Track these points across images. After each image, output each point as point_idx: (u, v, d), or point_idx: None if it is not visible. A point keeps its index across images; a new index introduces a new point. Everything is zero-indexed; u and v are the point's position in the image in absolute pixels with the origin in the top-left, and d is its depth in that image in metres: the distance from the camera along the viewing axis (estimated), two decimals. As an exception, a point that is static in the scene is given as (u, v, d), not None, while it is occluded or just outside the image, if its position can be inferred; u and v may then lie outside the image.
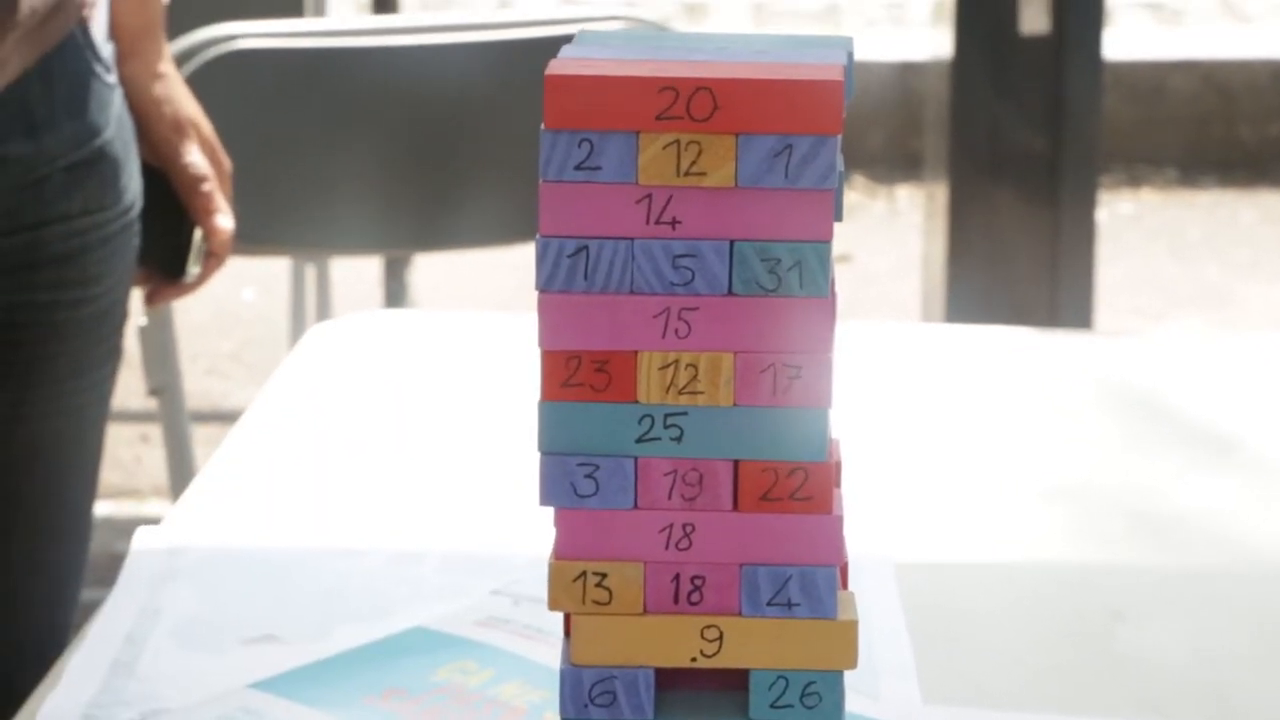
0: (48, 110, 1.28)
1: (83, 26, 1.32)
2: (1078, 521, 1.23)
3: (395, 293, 3.26)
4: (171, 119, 1.43)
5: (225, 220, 1.45)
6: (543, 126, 0.75)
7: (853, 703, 0.93)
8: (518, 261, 3.67)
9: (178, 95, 1.44)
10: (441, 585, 1.07)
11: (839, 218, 0.77)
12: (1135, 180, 5.16)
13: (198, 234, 1.45)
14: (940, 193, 3.21)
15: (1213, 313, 4.36)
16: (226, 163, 1.47)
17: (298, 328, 3.05)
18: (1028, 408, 1.43)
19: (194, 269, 1.45)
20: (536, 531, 1.15)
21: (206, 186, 1.44)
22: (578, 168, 0.75)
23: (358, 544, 1.12)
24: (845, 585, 0.80)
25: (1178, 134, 5.23)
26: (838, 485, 0.81)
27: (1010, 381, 1.48)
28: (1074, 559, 1.18)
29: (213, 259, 1.45)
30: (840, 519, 0.76)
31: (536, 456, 0.76)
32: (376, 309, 3.14)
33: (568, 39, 1.97)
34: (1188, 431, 1.39)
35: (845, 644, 0.76)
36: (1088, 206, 3.14)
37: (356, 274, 3.68)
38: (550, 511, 0.77)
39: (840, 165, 0.77)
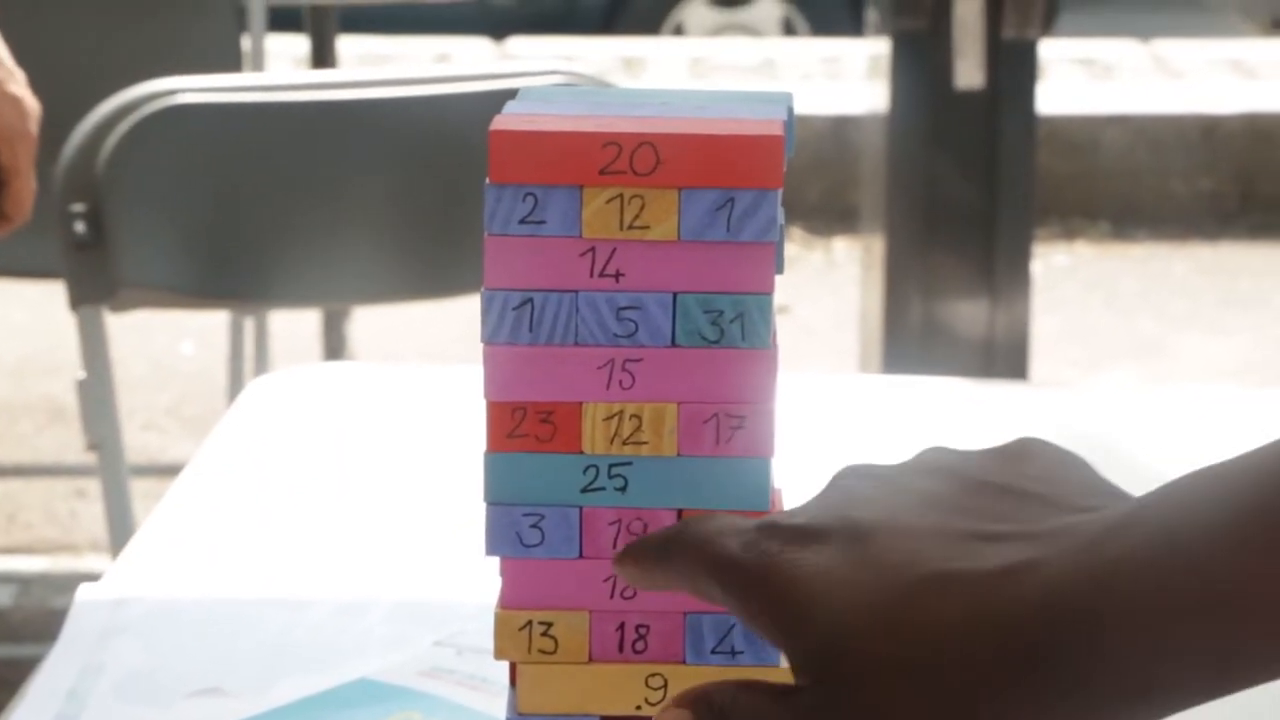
0: None
1: None
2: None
3: (334, 345, 3.26)
4: None
5: (28, 181, 1.42)
6: (487, 181, 0.76)
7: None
8: (454, 314, 3.68)
9: None
10: (386, 636, 1.07)
11: (780, 270, 0.78)
12: (1070, 233, 5.20)
13: None
14: (877, 245, 3.24)
15: (1147, 364, 4.39)
16: (32, 126, 1.43)
17: (236, 381, 3.05)
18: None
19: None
20: (480, 582, 1.15)
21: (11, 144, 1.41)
22: (522, 221, 0.76)
23: (302, 596, 1.12)
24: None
25: (1111, 187, 5.28)
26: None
27: (947, 432, 1.49)
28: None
29: (5, 221, 1.43)
30: (783, 568, 0.77)
31: (481, 507, 0.77)
32: (316, 361, 3.15)
33: (511, 93, 1.98)
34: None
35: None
36: (1023, 259, 3.16)
37: (294, 327, 3.68)
38: (494, 562, 0.78)
39: (781, 219, 0.78)
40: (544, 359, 0.76)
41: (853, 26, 6.54)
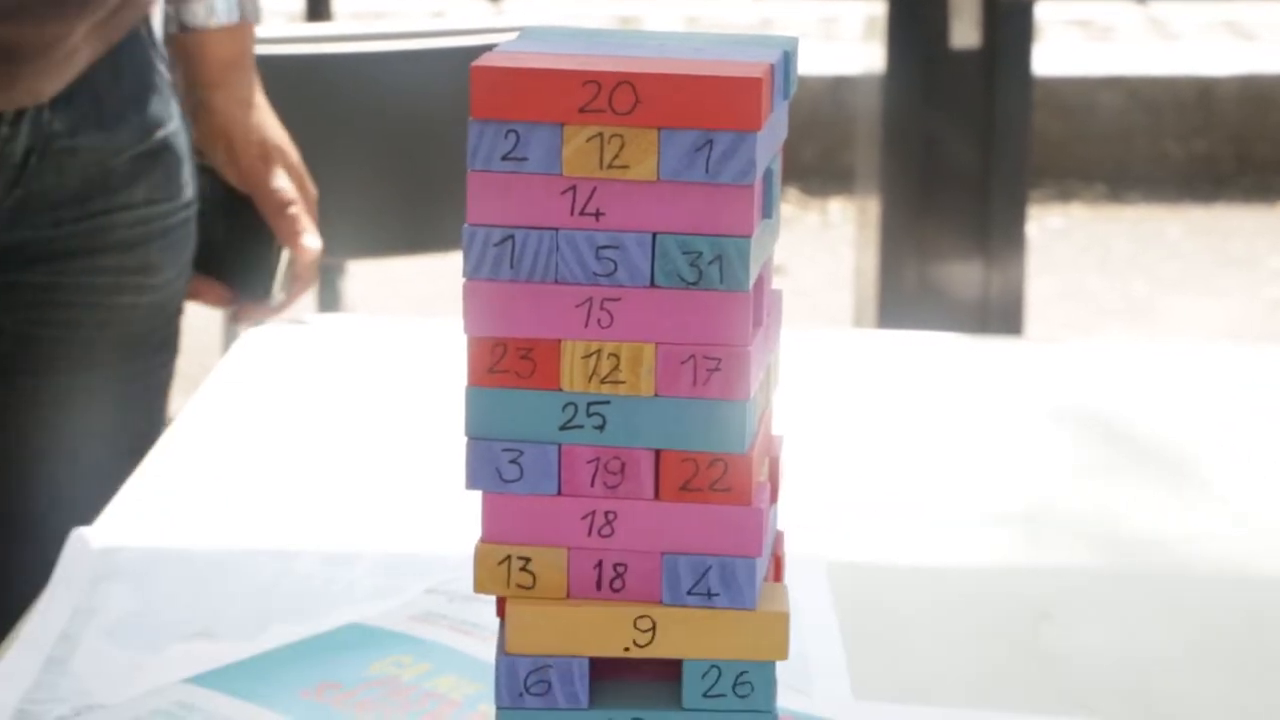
0: (116, 102, 1.32)
1: (146, 21, 1.35)
2: (1007, 524, 1.25)
3: (329, 300, 3.26)
4: (259, 146, 1.46)
5: (312, 240, 1.48)
6: (470, 117, 0.76)
7: (784, 697, 0.94)
8: (446, 268, 3.68)
9: (266, 123, 1.47)
10: (375, 585, 1.08)
11: (769, 214, 0.79)
12: (1065, 195, 5.20)
13: (284, 256, 1.48)
14: (872, 205, 3.24)
15: (1140, 325, 4.40)
16: (312, 189, 1.50)
17: (230, 336, 3.05)
18: (959, 413, 1.44)
19: (280, 291, 1.48)
20: (468, 532, 1.16)
21: (293, 210, 1.47)
22: (504, 158, 0.76)
23: (292, 544, 1.13)
24: (779, 578, 0.81)
25: (1106, 149, 5.28)
26: (776, 482, 0.82)
27: (942, 387, 1.50)
28: (1002, 560, 1.19)
29: (299, 281, 1.49)
30: (761, 511, 0.78)
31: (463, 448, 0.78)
32: (310, 315, 3.15)
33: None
34: (1115, 436, 1.41)
35: (776, 635, 0.77)
36: (1018, 219, 3.16)
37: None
38: (480, 506, 0.78)
39: (776, 167, 0.78)
40: (524, 295, 0.77)
41: (850, -12, 6.52)
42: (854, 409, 1.44)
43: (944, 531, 1.23)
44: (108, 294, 1.34)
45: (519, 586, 0.78)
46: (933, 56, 3.12)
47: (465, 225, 0.77)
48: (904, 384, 1.50)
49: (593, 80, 0.75)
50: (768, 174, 0.79)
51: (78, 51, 1.26)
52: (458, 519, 1.18)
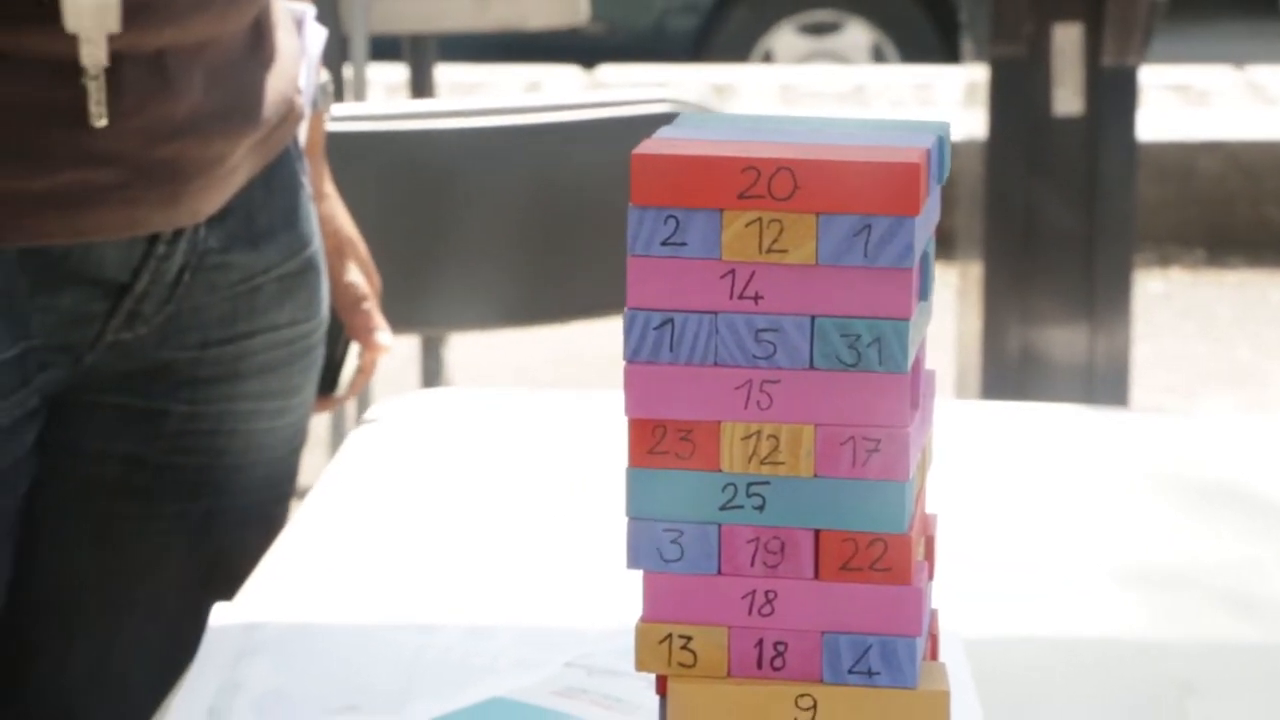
0: (268, 219, 1.30)
1: (295, 139, 1.34)
2: (1144, 596, 1.24)
3: (432, 370, 3.28)
4: (333, 238, 1.44)
5: (385, 337, 1.46)
6: (630, 203, 0.77)
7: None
8: (542, 337, 3.70)
9: (339, 215, 1.46)
10: (516, 658, 1.08)
11: (925, 296, 0.80)
12: (1164, 259, 5.18)
13: (353, 350, 1.47)
14: (974, 270, 3.24)
15: (1244, 392, 4.37)
16: (378, 281, 1.49)
17: (336, 425, 3.08)
18: (1077, 485, 1.44)
19: (345, 385, 1.47)
20: (605, 605, 1.17)
21: (367, 305, 1.45)
22: (664, 243, 0.77)
23: (430, 619, 1.14)
24: (935, 656, 0.82)
25: (1205, 214, 5.26)
26: (932, 561, 0.83)
27: (1054, 459, 1.50)
28: (1141, 633, 1.19)
29: (363, 375, 1.47)
30: (921, 591, 0.78)
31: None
32: (414, 387, 3.17)
33: (612, 122, 2.01)
34: (1243, 507, 1.41)
35: (937, 713, 0.78)
36: (1124, 286, 3.16)
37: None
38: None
39: (929, 246, 0.79)
40: (684, 378, 0.78)
41: (943, 53, 6.54)
42: (972, 482, 1.44)
43: (1077, 603, 1.23)
44: (248, 420, 1.31)
45: (680, 665, 0.79)
46: (1036, 122, 3.12)
47: (626, 309, 0.78)
48: (1014, 457, 1.50)
49: (752, 167, 0.77)
50: (924, 256, 0.80)
51: (238, 169, 1.25)
52: (593, 593, 1.19)
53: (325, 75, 1.44)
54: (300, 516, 1.33)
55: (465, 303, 2.37)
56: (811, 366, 0.78)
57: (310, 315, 1.35)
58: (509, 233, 2.32)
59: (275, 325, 1.32)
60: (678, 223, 0.77)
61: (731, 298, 0.78)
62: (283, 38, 1.28)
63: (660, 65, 6.55)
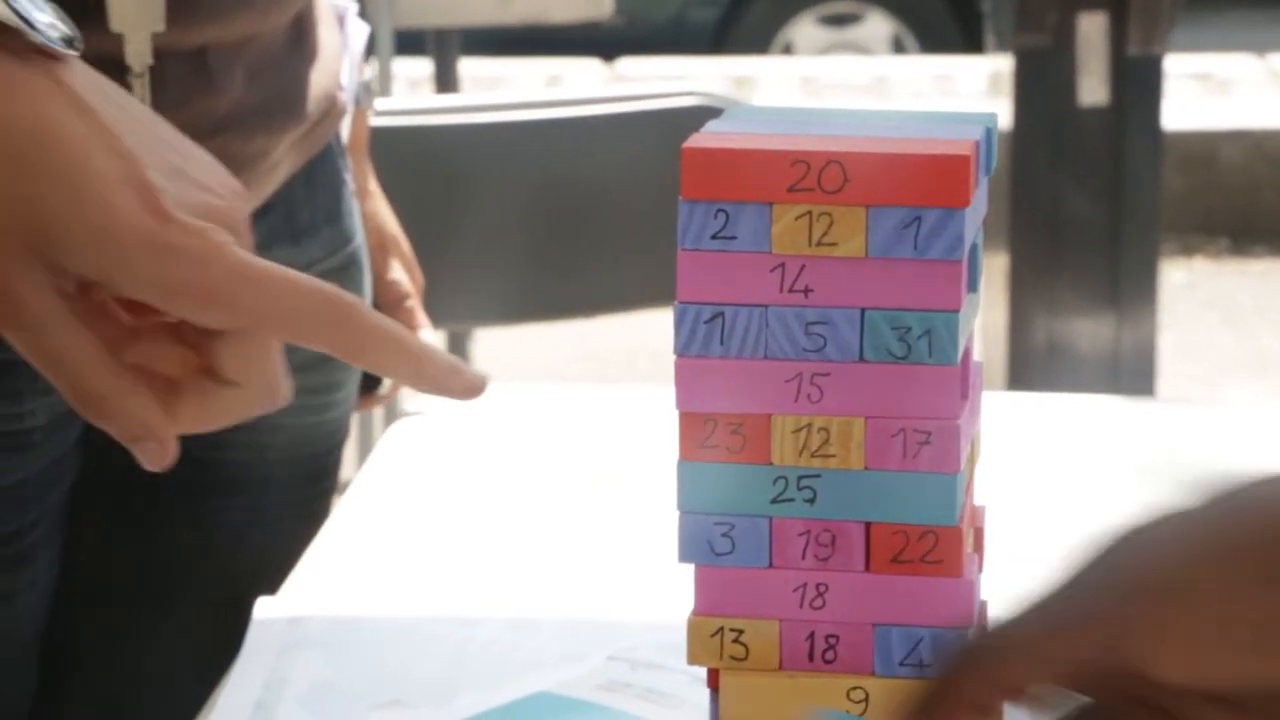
0: (310, 215, 1.29)
1: (337, 135, 1.33)
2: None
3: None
4: (376, 235, 1.43)
5: (427, 335, 1.46)
6: (680, 197, 0.77)
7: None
8: (564, 332, 3.70)
9: (383, 212, 1.45)
10: (559, 651, 1.09)
11: (974, 288, 0.80)
12: (1188, 249, 5.18)
13: None
14: (999, 261, 3.24)
15: (1268, 381, 4.37)
16: (421, 279, 1.48)
17: (365, 424, 3.08)
18: (1103, 475, 1.44)
19: (388, 382, 1.46)
20: (646, 598, 1.17)
21: (410, 303, 1.44)
22: (714, 237, 0.78)
23: (474, 612, 1.14)
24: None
25: (1229, 203, 5.25)
26: (982, 553, 0.83)
27: (1080, 449, 1.50)
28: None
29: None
30: (972, 583, 0.79)
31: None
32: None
33: (634, 116, 2.01)
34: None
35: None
36: (1149, 275, 3.16)
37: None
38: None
39: (980, 241, 0.79)
40: (734, 371, 0.78)
41: (963, 43, 6.53)
42: (998, 473, 1.44)
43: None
44: (292, 415, 1.31)
45: (732, 658, 0.79)
46: (1060, 112, 3.12)
47: (675, 303, 0.78)
48: (1044, 445, 1.50)
49: (802, 160, 0.77)
50: (972, 248, 0.80)
51: (280, 165, 1.24)
52: (633, 586, 1.19)
53: (368, 72, 1.44)
54: (341, 510, 1.33)
55: (489, 298, 2.37)
56: (862, 359, 0.78)
57: None
58: (533, 227, 2.32)
59: None
60: (727, 216, 0.77)
61: (781, 291, 0.78)
62: (325, 33, 1.28)
63: (680, 58, 6.55)
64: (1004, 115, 3.18)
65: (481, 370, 1.29)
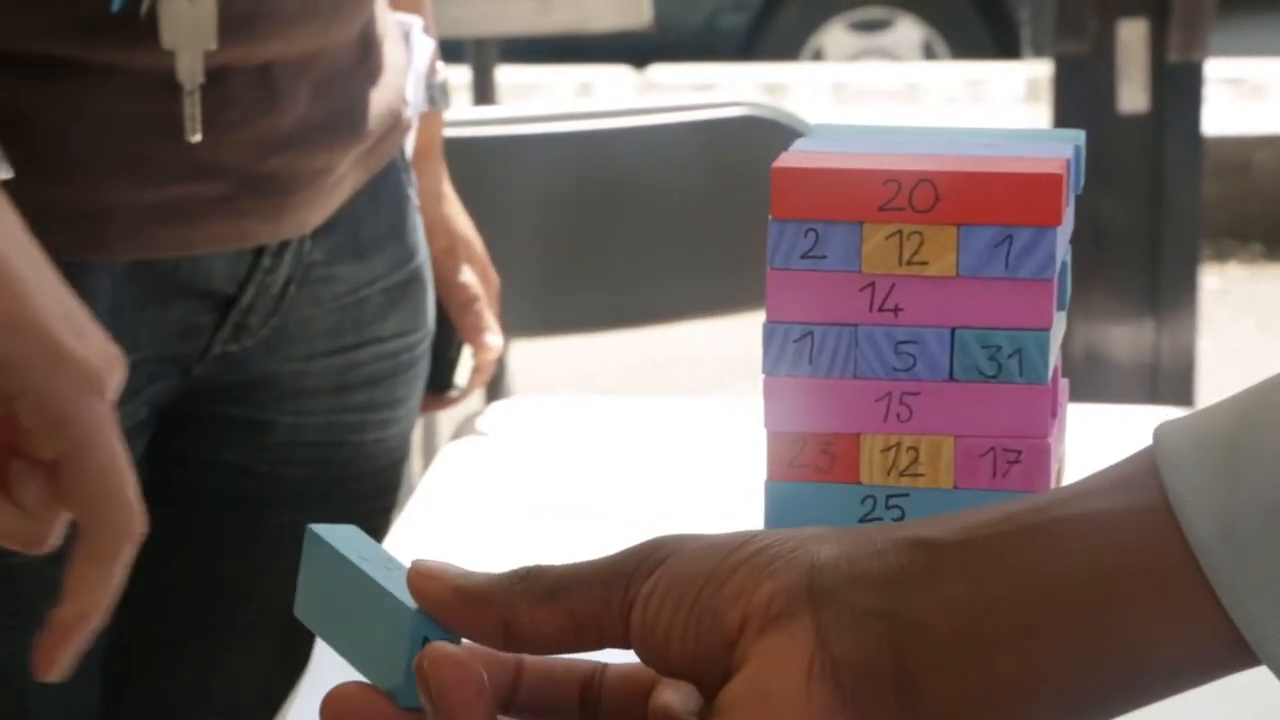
0: (373, 231, 1.29)
1: (402, 150, 1.33)
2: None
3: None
4: (447, 238, 1.44)
5: (495, 339, 1.46)
6: (770, 216, 0.77)
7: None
8: (598, 343, 3.70)
9: (456, 215, 1.45)
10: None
11: (1063, 306, 0.80)
12: (1221, 255, 5.17)
13: (465, 350, 1.46)
14: (1039, 270, 3.23)
15: (1305, 386, 4.35)
16: (495, 281, 1.48)
17: (428, 436, 3.09)
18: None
19: (460, 383, 1.47)
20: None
21: (479, 306, 1.45)
22: (803, 256, 0.78)
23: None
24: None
25: (1263, 208, 5.24)
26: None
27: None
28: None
29: (478, 374, 1.46)
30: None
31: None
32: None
33: (667, 128, 2.00)
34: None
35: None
36: (1189, 283, 3.15)
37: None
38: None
39: (1069, 259, 0.79)
40: (823, 391, 0.78)
41: (993, 49, 6.53)
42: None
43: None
44: (355, 431, 1.31)
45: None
46: (1101, 119, 3.12)
47: (765, 322, 0.78)
48: (1086, 456, 1.50)
49: (893, 179, 0.77)
50: (1061, 267, 0.80)
51: (343, 182, 1.24)
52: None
53: (444, 74, 1.44)
54: (401, 526, 1.33)
55: (527, 309, 2.37)
56: (951, 378, 0.78)
57: (416, 327, 1.34)
58: (571, 238, 2.32)
59: (381, 337, 1.31)
60: (817, 235, 0.77)
61: (871, 310, 0.78)
62: (390, 49, 1.28)
63: (711, 64, 6.55)
64: (1042, 121, 3.18)
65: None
